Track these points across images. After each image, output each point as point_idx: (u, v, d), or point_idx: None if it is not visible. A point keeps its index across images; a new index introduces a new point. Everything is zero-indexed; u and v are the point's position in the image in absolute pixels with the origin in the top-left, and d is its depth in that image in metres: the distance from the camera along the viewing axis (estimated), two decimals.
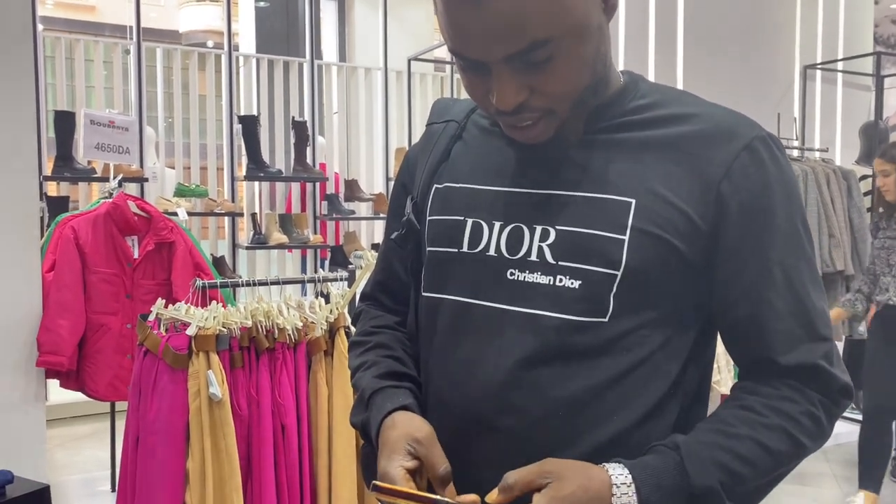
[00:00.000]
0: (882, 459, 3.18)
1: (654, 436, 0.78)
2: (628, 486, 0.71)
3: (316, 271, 4.95)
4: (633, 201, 0.78)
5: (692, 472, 0.73)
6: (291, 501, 1.86)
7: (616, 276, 0.78)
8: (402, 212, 0.93)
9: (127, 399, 2.61)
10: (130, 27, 4.57)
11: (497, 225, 0.83)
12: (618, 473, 0.72)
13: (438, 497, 0.72)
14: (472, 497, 0.74)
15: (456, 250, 0.85)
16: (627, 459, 0.74)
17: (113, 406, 3.33)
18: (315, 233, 5.09)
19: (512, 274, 0.81)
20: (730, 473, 0.74)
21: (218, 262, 4.48)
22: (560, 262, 0.79)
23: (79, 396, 3.14)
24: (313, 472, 1.94)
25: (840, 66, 5.04)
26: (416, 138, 5.72)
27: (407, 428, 0.80)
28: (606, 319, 0.78)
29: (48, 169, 4.04)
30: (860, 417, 4.27)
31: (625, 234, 0.78)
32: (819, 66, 4.90)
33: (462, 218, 0.85)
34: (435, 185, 0.90)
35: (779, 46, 4.75)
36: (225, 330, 1.81)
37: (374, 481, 0.75)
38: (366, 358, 0.93)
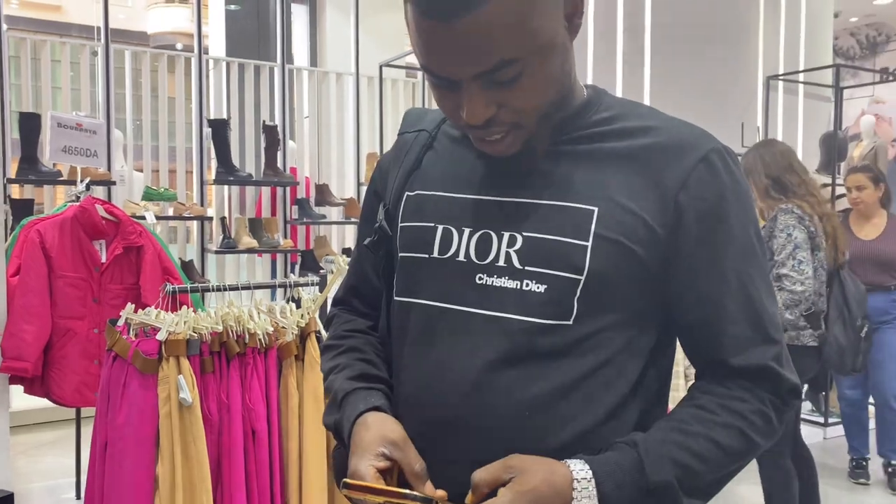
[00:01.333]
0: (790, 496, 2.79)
1: (616, 434, 0.81)
2: (588, 481, 0.75)
3: (286, 276, 4.94)
4: (596, 209, 0.82)
5: (649, 468, 0.77)
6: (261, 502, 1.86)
7: (580, 280, 0.81)
8: (375, 218, 0.96)
9: (93, 405, 2.58)
10: (97, 28, 4.52)
11: (466, 231, 0.86)
12: (579, 469, 0.76)
13: (406, 490, 0.75)
14: (441, 492, 0.77)
15: (427, 256, 0.88)
16: (589, 456, 0.78)
17: (78, 412, 3.28)
18: (285, 237, 5.07)
19: (480, 278, 0.84)
20: (685, 469, 0.78)
21: (186, 267, 4.45)
22: (526, 267, 0.82)
23: (42, 403, 3.09)
24: (284, 477, 1.95)
25: (801, 77, 5.18)
26: (387, 143, 5.72)
27: (380, 429, 0.82)
28: (571, 322, 0.81)
29: (12, 171, 3.98)
30: (821, 420, 4.41)
31: (588, 241, 0.81)
32: (781, 77, 5.03)
33: (433, 224, 0.88)
34: (406, 193, 0.93)
35: (742, 58, 4.86)
36: (195, 335, 1.81)
37: (344, 479, 0.77)
38: (338, 361, 0.95)
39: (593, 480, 0.75)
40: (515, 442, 0.80)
